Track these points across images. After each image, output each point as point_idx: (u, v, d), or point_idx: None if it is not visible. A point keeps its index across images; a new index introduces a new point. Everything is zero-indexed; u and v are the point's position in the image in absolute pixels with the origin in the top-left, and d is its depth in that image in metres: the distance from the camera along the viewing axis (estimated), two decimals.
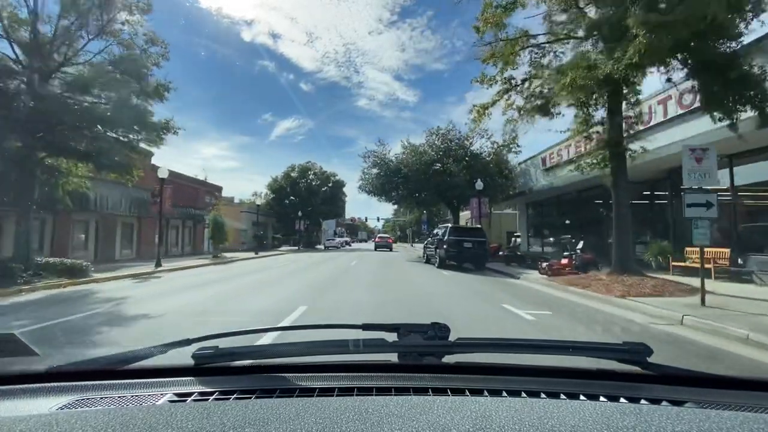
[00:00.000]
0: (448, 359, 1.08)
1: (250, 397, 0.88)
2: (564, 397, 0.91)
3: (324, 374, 1.06)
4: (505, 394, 0.93)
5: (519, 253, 18.56)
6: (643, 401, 0.89)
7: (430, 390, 0.94)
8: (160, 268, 15.92)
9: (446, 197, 25.39)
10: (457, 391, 0.93)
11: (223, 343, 1.09)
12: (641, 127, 10.88)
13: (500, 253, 19.25)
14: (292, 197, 45.06)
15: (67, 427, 0.67)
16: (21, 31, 10.93)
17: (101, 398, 0.90)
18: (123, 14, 11.72)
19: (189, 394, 0.93)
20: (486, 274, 14.38)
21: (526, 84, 11.11)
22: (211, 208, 23.27)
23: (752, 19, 7.57)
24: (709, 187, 6.94)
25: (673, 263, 11.74)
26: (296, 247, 43.58)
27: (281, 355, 1.14)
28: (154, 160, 21.46)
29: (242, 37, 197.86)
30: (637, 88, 9.70)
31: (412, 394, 0.91)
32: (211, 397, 0.91)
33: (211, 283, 10.76)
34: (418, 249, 43.40)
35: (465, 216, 33.41)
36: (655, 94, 11.88)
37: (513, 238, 23.07)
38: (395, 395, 0.90)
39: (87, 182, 13.89)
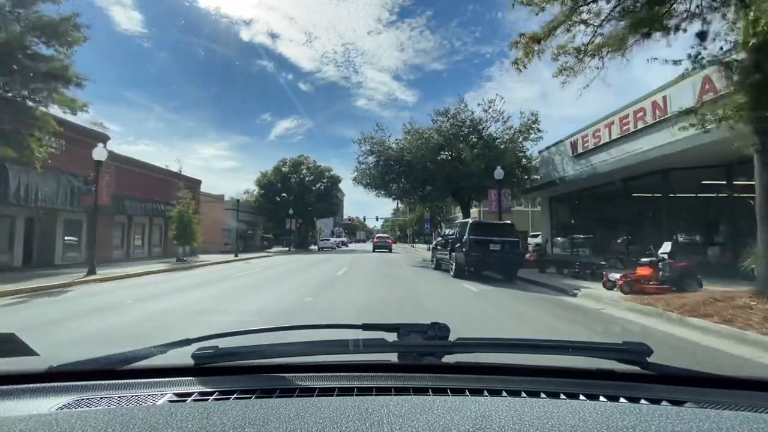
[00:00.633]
0: (448, 359, 1.07)
1: (250, 397, 0.88)
2: (564, 397, 0.90)
3: (324, 374, 1.06)
4: (504, 394, 0.92)
5: (546, 258, 14.93)
6: (642, 401, 0.88)
7: (430, 390, 0.93)
8: (91, 277, 12.23)
9: (458, 190, 21.53)
10: (457, 391, 0.92)
11: (223, 343, 1.08)
12: None
13: (527, 256, 15.52)
14: (283, 194, 41.18)
15: (67, 427, 0.67)
16: None
17: (101, 398, 0.90)
18: None
19: (189, 394, 0.92)
20: (523, 287, 10.57)
21: None
22: (177, 202, 19.24)
23: None
24: None
25: None
26: (287, 248, 39.82)
27: (281, 355, 1.12)
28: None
29: (241, 37, 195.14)
30: None
31: (412, 394, 0.90)
32: (211, 397, 0.91)
33: (119, 308, 7.05)
34: (420, 250, 39.48)
35: (475, 214, 29.64)
36: None
37: (538, 239, 19.35)
38: (395, 395, 0.89)
39: None
